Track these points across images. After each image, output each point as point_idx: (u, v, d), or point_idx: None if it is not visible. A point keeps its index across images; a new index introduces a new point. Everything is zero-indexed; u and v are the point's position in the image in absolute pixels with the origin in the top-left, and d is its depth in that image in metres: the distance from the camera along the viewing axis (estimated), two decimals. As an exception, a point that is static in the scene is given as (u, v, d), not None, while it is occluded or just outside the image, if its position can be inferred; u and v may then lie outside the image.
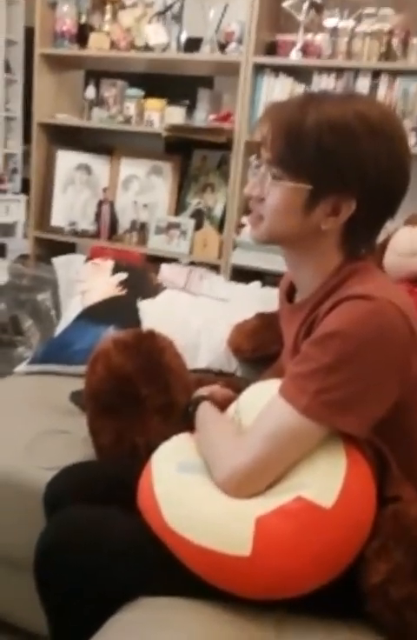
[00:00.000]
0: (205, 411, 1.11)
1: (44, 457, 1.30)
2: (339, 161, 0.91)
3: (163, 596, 0.93)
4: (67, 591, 0.96)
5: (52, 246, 2.73)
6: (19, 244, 4.60)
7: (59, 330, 1.98)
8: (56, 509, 1.07)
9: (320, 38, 2.26)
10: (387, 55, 2.17)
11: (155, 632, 0.87)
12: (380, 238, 1.07)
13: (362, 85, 2.20)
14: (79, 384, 1.36)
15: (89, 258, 2.15)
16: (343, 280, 0.96)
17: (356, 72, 2.21)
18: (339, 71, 2.23)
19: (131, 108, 2.61)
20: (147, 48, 2.50)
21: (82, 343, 1.79)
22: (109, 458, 1.25)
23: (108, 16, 2.60)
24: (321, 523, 0.87)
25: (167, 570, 0.93)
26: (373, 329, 0.86)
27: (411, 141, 2.11)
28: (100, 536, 0.95)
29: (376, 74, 2.19)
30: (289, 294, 1.13)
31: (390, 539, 0.90)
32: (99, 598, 0.94)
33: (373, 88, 2.19)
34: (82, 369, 1.34)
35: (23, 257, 3.09)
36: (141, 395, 1.24)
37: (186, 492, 0.94)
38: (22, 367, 1.85)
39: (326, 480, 0.89)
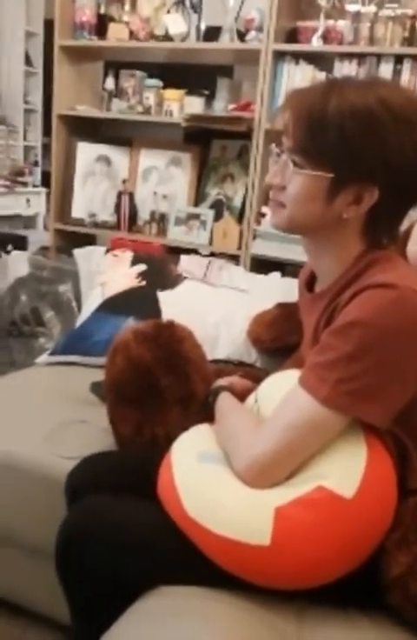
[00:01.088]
0: (224, 402, 1.11)
1: (65, 447, 1.31)
2: (361, 148, 0.89)
3: (183, 585, 0.94)
4: (87, 580, 0.98)
5: (73, 238, 2.74)
6: (40, 236, 4.65)
7: (80, 321, 1.99)
8: (77, 498, 1.08)
9: (341, 24, 2.22)
10: (411, 40, 2.13)
11: (175, 620, 0.88)
12: (404, 227, 1.05)
13: (385, 71, 2.15)
14: (99, 375, 1.37)
15: (109, 250, 2.16)
16: (364, 269, 0.95)
17: (379, 58, 2.17)
18: (361, 57, 2.19)
19: (150, 98, 2.60)
20: (166, 37, 2.49)
21: (101, 334, 1.80)
22: (130, 448, 1.26)
23: (126, 7, 2.60)
24: (341, 513, 0.87)
25: (187, 560, 0.94)
26: (395, 317, 0.85)
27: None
28: (120, 526, 0.96)
29: (399, 59, 2.14)
30: (309, 283, 1.12)
31: (411, 531, 0.89)
32: (119, 587, 0.95)
33: (397, 73, 2.14)
34: (102, 360, 1.34)
35: (43, 249, 3.12)
36: (160, 385, 1.24)
37: (206, 482, 0.94)
38: (43, 358, 1.87)
39: (346, 470, 0.89)
